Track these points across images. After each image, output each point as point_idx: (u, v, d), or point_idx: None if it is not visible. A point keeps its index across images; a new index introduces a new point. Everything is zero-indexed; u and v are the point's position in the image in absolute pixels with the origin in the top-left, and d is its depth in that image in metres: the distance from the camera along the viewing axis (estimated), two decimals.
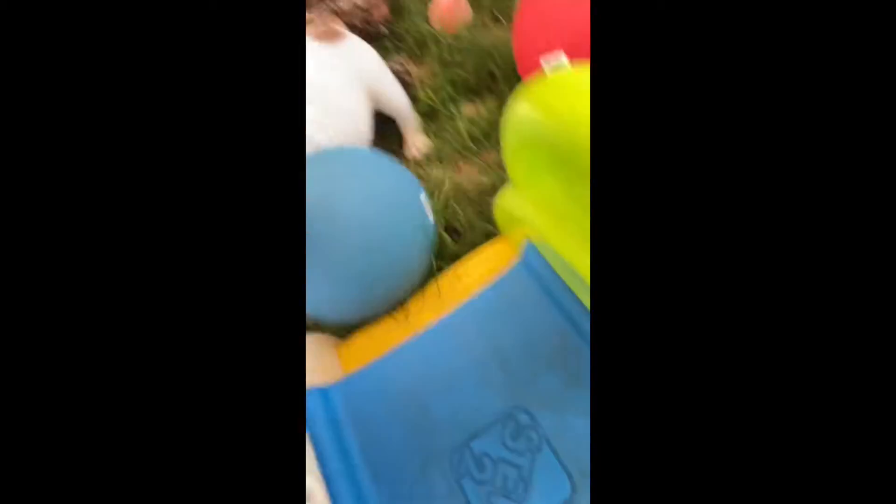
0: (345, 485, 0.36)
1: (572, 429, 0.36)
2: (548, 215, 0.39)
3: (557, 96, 0.31)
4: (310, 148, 0.53)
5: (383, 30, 0.90)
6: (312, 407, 0.42)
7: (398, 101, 0.67)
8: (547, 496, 0.35)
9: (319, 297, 0.45)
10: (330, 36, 0.62)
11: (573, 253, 0.37)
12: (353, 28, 0.87)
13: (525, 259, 0.44)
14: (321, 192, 0.42)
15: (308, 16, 0.68)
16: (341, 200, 0.44)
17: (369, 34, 0.89)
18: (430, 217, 0.48)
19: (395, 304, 0.49)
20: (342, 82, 0.59)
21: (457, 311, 0.45)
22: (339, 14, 0.88)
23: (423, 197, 0.48)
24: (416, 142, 0.69)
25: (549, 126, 0.31)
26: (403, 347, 0.45)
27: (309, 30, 0.63)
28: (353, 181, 0.46)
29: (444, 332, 0.44)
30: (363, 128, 0.62)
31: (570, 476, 0.35)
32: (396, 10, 0.93)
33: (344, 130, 0.58)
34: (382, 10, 0.90)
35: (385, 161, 0.51)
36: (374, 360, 0.45)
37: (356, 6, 0.89)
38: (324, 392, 0.43)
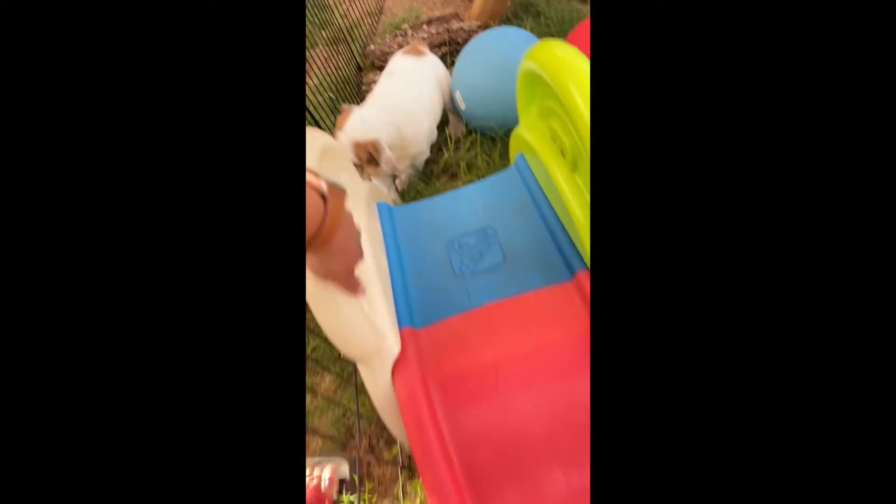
0: (394, 258, 0.70)
1: (514, 234, 0.68)
2: (545, 143, 0.72)
3: (555, 59, 0.64)
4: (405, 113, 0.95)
5: None
6: (381, 214, 0.76)
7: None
8: (490, 260, 0.66)
9: None
10: (417, 53, 1.04)
11: (557, 170, 0.69)
12: (456, 44, 1.28)
13: (517, 164, 0.77)
14: None
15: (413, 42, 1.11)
16: None
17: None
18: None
19: None
20: (428, 79, 1.01)
21: (470, 185, 0.79)
22: (449, 32, 1.29)
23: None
24: (459, 128, 1.10)
25: (550, 80, 0.64)
26: (437, 197, 0.79)
27: (406, 49, 1.06)
28: None
29: (461, 193, 0.78)
30: (438, 108, 1.04)
31: (503, 253, 0.66)
32: None
33: (427, 107, 1.00)
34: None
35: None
36: (419, 201, 0.80)
37: (462, 29, 1.29)
38: (389, 208, 0.78)
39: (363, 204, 0.69)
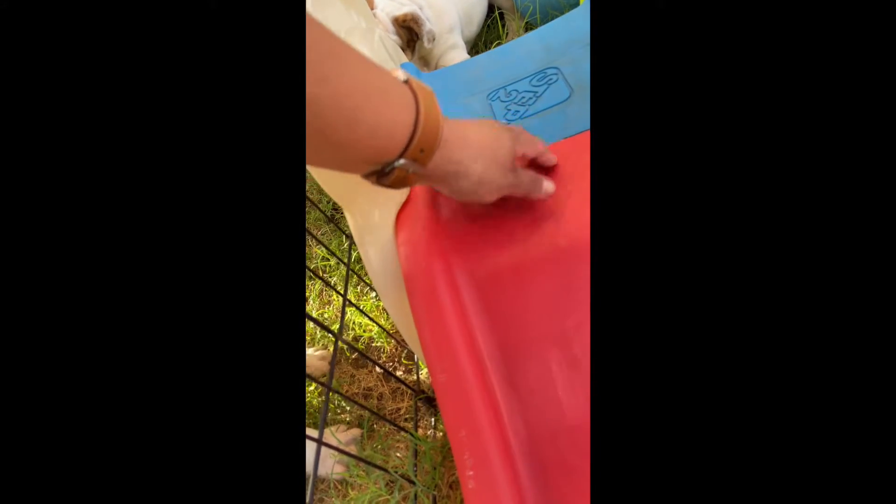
0: None
1: (584, 65, 0.47)
2: None
3: None
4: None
5: None
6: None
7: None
8: (550, 100, 0.46)
9: None
10: None
11: None
12: None
13: None
14: None
15: None
16: None
17: None
18: None
19: None
20: None
21: (526, 35, 0.59)
22: None
23: None
24: (512, 27, 0.93)
25: None
26: (481, 55, 0.60)
27: None
28: None
29: (513, 43, 0.59)
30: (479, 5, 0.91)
31: (571, 88, 0.46)
32: None
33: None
34: None
35: None
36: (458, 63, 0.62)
37: None
38: (417, 70, 0.61)
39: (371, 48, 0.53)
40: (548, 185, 0.35)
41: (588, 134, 0.41)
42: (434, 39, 0.78)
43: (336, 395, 0.57)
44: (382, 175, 0.27)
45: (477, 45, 1.00)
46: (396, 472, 0.42)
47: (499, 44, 0.95)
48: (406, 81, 0.27)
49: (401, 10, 0.75)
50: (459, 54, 0.88)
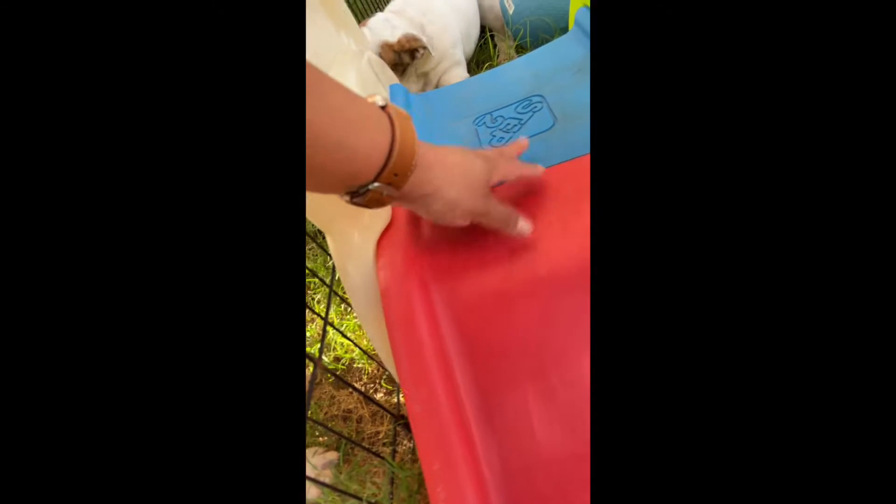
0: None
1: (569, 94, 0.48)
2: None
3: None
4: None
5: None
6: (395, 97, 0.59)
7: (497, 19, 1.01)
8: (534, 128, 0.47)
9: None
10: None
11: None
12: None
13: (578, 21, 0.57)
14: None
15: None
16: None
17: None
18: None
19: None
20: None
21: (515, 59, 0.60)
22: None
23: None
24: (503, 48, 0.98)
25: None
26: (470, 78, 0.61)
27: None
28: None
29: (502, 68, 0.59)
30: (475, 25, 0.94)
31: (555, 117, 0.47)
32: None
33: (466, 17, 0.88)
34: None
35: None
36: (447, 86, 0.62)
37: None
38: (406, 92, 0.61)
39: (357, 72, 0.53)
40: (523, 225, 0.36)
41: (570, 164, 0.41)
42: (433, 45, 0.80)
43: (314, 416, 0.56)
44: (357, 195, 0.28)
45: (469, 66, 1.02)
46: (372, 500, 0.42)
47: (490, 65, 0.97)
48: (384, 107, 0.28)
49: (394, 35, 0.76)
50: (461, 72, 0.89)
